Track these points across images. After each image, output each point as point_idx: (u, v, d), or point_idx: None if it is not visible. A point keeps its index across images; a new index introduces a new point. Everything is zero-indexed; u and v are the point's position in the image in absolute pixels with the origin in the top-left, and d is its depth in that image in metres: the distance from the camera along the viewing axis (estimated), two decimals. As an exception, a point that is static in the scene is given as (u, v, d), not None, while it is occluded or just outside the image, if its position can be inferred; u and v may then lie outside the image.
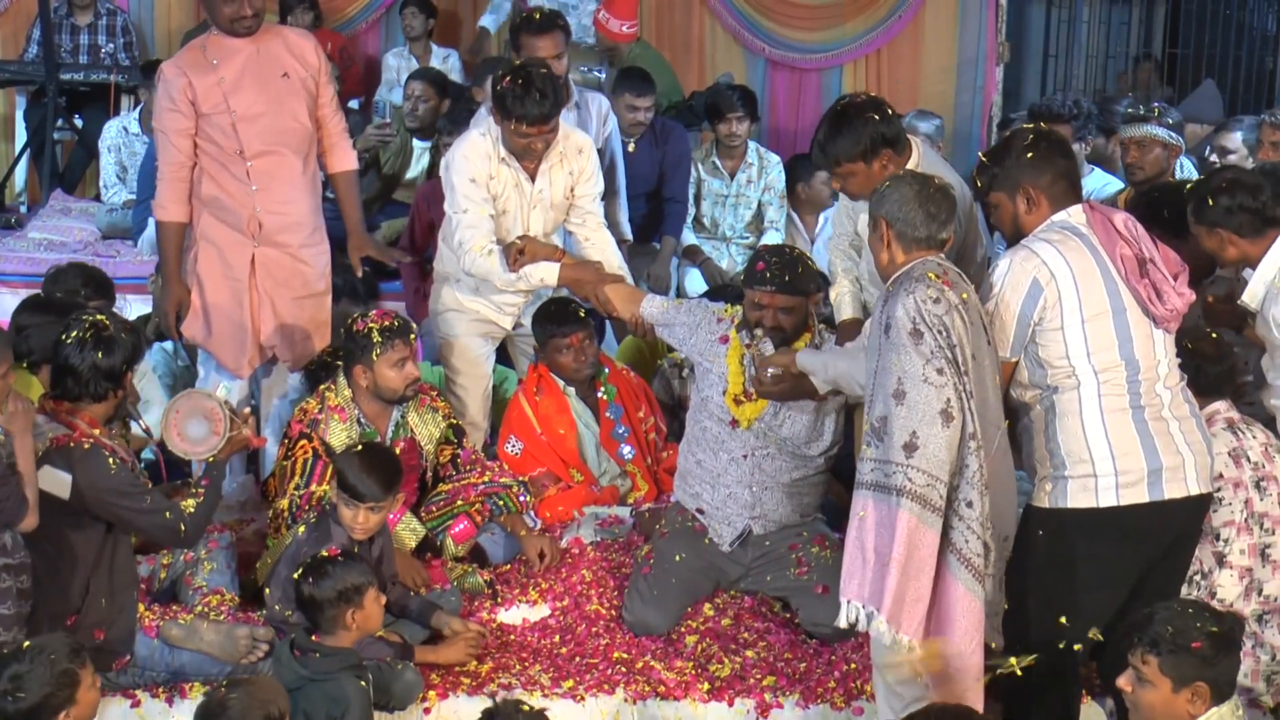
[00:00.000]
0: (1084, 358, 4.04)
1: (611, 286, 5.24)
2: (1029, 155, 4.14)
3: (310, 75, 5.43)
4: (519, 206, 5.39)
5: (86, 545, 4.24)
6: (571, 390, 5.64)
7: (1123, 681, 3.66)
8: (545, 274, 5.27)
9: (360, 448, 4.65)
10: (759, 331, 4.81)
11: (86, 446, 4.20)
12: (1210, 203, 4.53)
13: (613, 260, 5.51)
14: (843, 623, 3.94)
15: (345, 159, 5.67)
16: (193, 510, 4.40)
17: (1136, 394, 4.06)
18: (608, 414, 5.67)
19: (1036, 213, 4.15)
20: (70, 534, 4.20)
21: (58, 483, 4.12)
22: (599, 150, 6.09)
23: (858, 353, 4.43)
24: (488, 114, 5.48)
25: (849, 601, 3.90)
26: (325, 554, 4.29)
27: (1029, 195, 4.15)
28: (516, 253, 5.23)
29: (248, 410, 4.80)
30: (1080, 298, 4.03)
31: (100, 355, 4.27)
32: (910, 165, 4.55)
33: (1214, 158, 6.65)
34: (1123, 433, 4.03)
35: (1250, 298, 4.56)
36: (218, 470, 4.58)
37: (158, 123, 5.37)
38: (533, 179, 5.38)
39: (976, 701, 3.91)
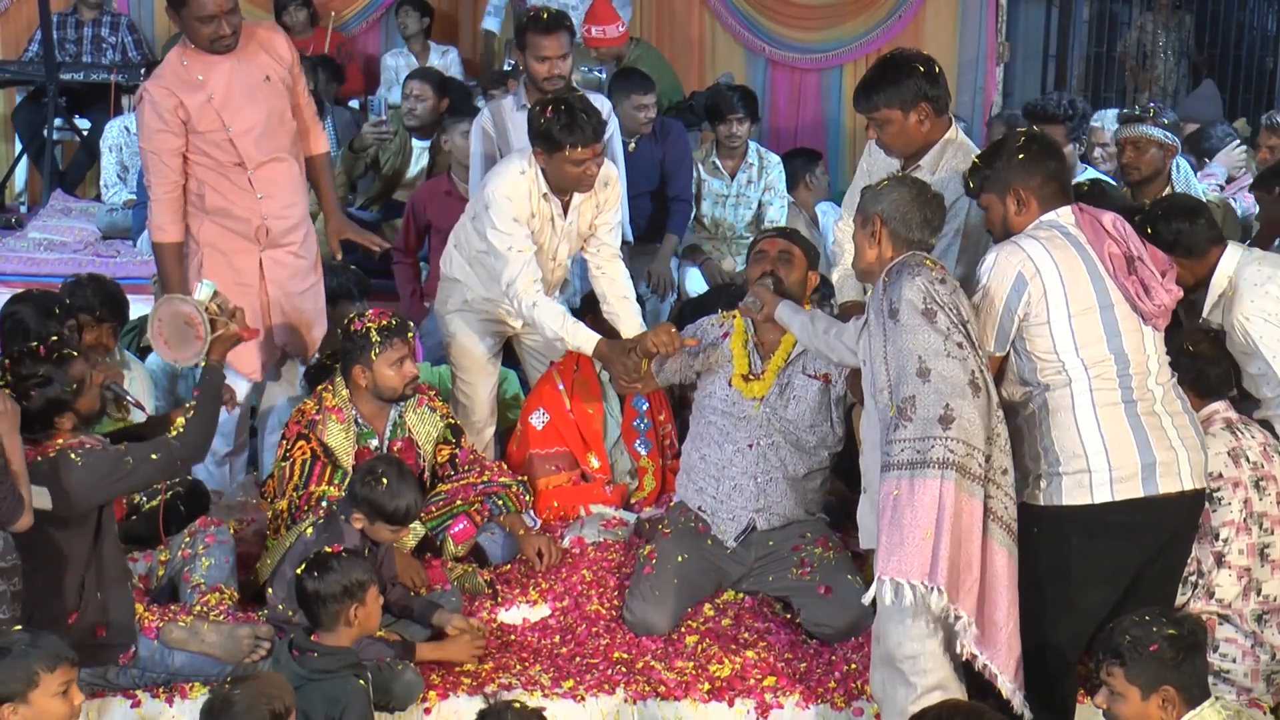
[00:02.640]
0: (1072, 352, 4.07)
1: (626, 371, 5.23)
2: (1020, 157, 4.19)
3: (286, 70, 5.43)
4: (550, 239, 5.39)
5: (78, 545, 4.22)
6: (606, 376, 5.65)
7: (1099, 700, 3.70)
8: (583, 344, 5.24)
9: (383, 476, 4.54)
10: (764, 279, 4.91)
11: (53, 454, 4.19)
12: (1151, 231, 4.59)
13: (623, 290, 5.47)
14: (868, 599, 4.01)
15: (320, 142, 5.68)
16: (182, 429, 4.36)
17: (1128, 389, 4.08)
18: (633, 404, 5.71)
19: (1026, 214, 4.20)
20: (60, 536, 4.18)
21: (38, 496, 4.11)
22: None
23: (832, 327, 4.50)
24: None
25: (888, 579, 3.90)
26: (329, 550, 4.29)
27: (1019, 196, 4.19)
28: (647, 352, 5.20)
29: (232, 304, 4.68)
30: (1066, 293, 4.06)
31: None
32: (950, 138, 4.67)
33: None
34: (1116, 427, 4.05)
35: (1209, 313, 4.64)
36: (211, 374, 4.52)
37: (147, 144, 5.26)
38: (565, 213, 5.37)
39: (1009, 666, 3.96)
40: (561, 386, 5.64)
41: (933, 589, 3.86)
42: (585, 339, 5.22)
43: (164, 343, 4.54)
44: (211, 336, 4.52)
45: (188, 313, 4.52)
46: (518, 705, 3.73)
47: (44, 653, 3.57)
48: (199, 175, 5.29)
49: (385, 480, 4.49)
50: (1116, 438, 4.05)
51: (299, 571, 4.25)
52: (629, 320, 5.38)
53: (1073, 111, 7.20)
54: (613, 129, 6.45)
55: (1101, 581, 4.11)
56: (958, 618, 3.91)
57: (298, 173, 5.45)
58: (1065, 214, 4.19)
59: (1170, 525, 4.16)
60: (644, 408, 5.71)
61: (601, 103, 6.46)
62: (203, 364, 4.56)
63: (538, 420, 5.62)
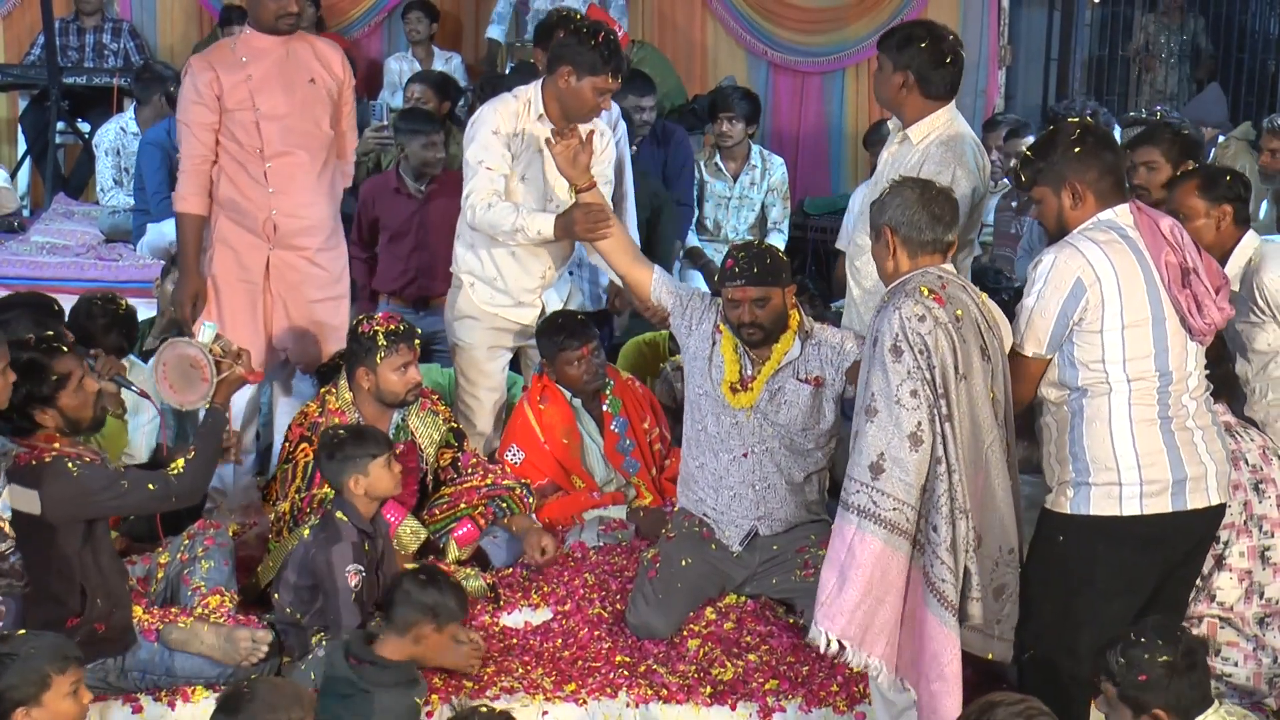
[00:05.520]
0: (1119, 364, 3.96)
1: (617, 241, 5.13)
2: (1075, 150, 4.03)
3: (335, 84, 5.48)
4: (540, 172, 5.39)
5: (69, 553, 4.21)
6: (577, 401, 5.62)
7: (1097, 705, 3.68)
8: (541, 225, 5.25)
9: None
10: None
11: (48, 459, 4.17)
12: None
13: None
14: (816, 641, 3.98)
15: (344, 177, 5.71)
16: (181, 470, 4.35)
17: (1165, 404, 4.00)
18: (613, 427, 5.64)
19: (1082, 209, 4.05)
20: (50, 547, 4.17)
21: (27, 500, 4.10)
22: None
23: None
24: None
25: (821, 630, 3.93)
26: (447, 570, 4.48)
27: (1075, 190, 4.04)
28: (575, 142, 5.07)
29: (236, 345, 4.72)
30: (1123, 303, 3.94)
31: None
32: (945, 122, 4.78)
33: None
34: (1150, 443, 3.98)
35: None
36: (214, 417, 4.53)
37: (182, 115, 5.39)
38: None
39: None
40: (532, 418, 5.59)
41: (845, 646, 3.89)
42: (542, 221, 5.24)
43: (169, 386, 4.56)
44: (217, 379, 4.53)
45: (193, 356, 4.53)
46: (484, 709, 3.69)
47: (53, 654, 3.56)
48: (220, 162, 5.36)
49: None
50: (1150, 453, 3.97)
51: (408, 566, 4.25)
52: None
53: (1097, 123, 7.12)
54: (621, 133, 6.47)
55: (1125, 591, 4.05)
56: (879, 668, 3.92)
57: (317, 175, 5.44)
58: (1124, 213, 4.05)
59: (1195, 537, 4.12)
60: (624, 428, 5.64)
61: (612, 107, 6.48)
62: (206, 406, 4.57)
63: (513, 457, 5.56)
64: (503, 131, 5.33)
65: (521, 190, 5.40)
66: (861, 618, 3.89)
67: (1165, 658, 3.54)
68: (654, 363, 6.41)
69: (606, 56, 5.23)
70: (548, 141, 5.08)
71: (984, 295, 4.15)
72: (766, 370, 4.91)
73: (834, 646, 3.92)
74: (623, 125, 6.50)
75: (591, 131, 5.18)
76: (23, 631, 3.68)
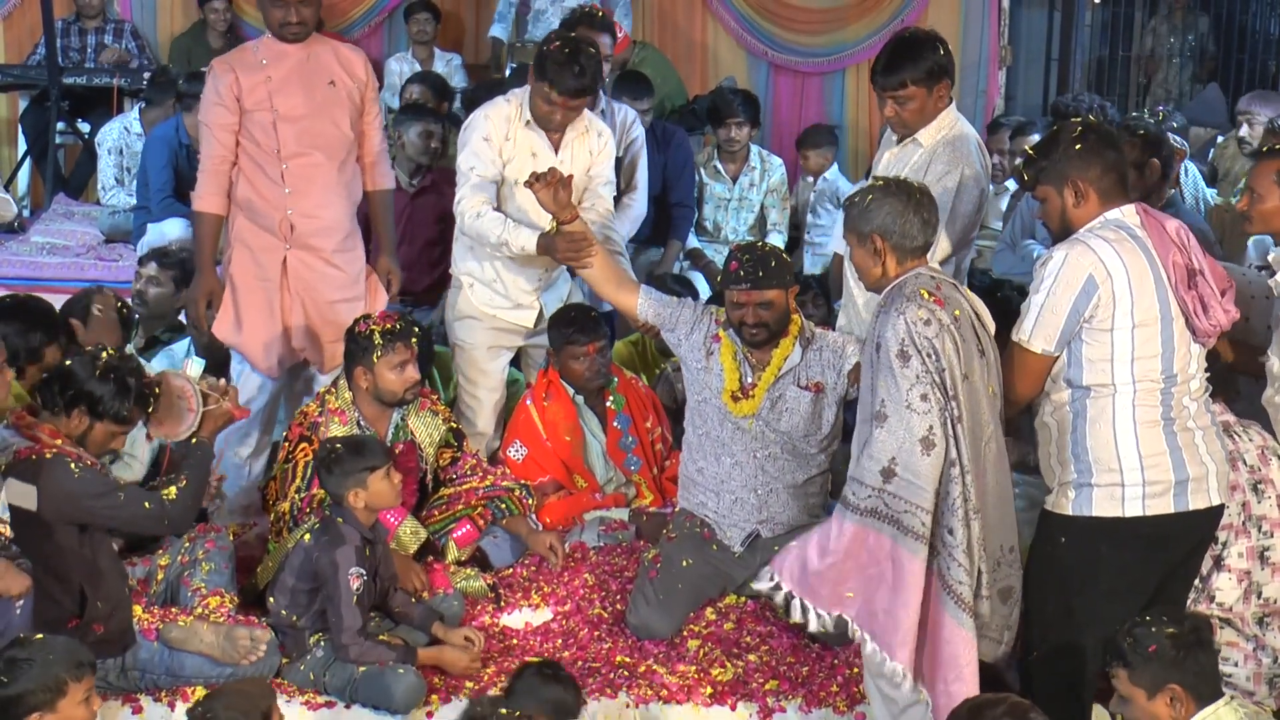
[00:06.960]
0: (1127, 364, 3.96)
1: (600, 269, 5.14)
2: (1077, 147, 4.02)
3: (357, 88, 5.46)
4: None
5: (67, 554, 4.21)
6: (580, 399, 5.63)
7: (1113, 705, 3.68)
8: (525, 241, 5.25)
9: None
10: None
11: (49, 456, 4.19)
12: None
13: (614, 246, 5.49)
14: (813, 626, 4.01)
15: (382, 178, 5.67)
16: (174, 496, 4.37)
17: (1168, 406, 4.00)
18: (615, 424, 5.65)
19: (1085, 207, 4.04)
20: (46, 546, 4.17)
21: (24, 494, 4.10)
22: (619, 158, 6.14)
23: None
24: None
25: (798, 599, 3.96)
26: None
27: (1077, 188, 4.03)
28: (556, 182, 5.00)
29: (223, 382, 4.74)
30: (1133, 301, 3.94)
31: (112, 386, 4.28)
32: (950, 123, 4.78)
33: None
34: (1153, 445, 3.97)
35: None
36: (202, 450, 4.55)
37: (203, 116, 5.40)
38: (556, 150, 5.39)
39: None
40: (535, 414, 5.60)
41: (841, 618, 3.93)
42: (527, 237, 5.24)
43: (155, 419, 4.55)
44: (203, 409, 4.53)
45: (180, 386, 4.54)
46: (504, 711, 3.69)
47: (70, 660, 3.58)
48: (240, 163, 5.37)
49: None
50: (1153, 455, 3.97)
51: (530, 660, 4.15)
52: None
53: (1104, 118, 7.12)
54: (636, 135, 6.45)
55: (1127, 591, 4.04)
56: (903, 675, 3.92)
57: (335, 176, 5.42)
58: (1130, 214, 4.04)
59: (1195, 537, 4.13)
60: (627, 425, 5.66)
61: (627, 112, 6.48)
62: (190, 439, 4.58)
63: (516, 453, 5.57)
64: (494, 137, 5.34)
65: (514, 194, 5.39)
66: (881, 617, 3.89)
67: (1172, 630, 3.58)
68: (641, 361, 6.41)
69: (553, 69, 5.19)
70: (528, 184, 5.04)
71: (969, 292, 4.16)
72: (766, 378, 4.90)
73: (812, 620, 3.96)
74: (639, 128, 6.49)
75: (570, 176, 5.08)
76: (40, 636, 3.68)
